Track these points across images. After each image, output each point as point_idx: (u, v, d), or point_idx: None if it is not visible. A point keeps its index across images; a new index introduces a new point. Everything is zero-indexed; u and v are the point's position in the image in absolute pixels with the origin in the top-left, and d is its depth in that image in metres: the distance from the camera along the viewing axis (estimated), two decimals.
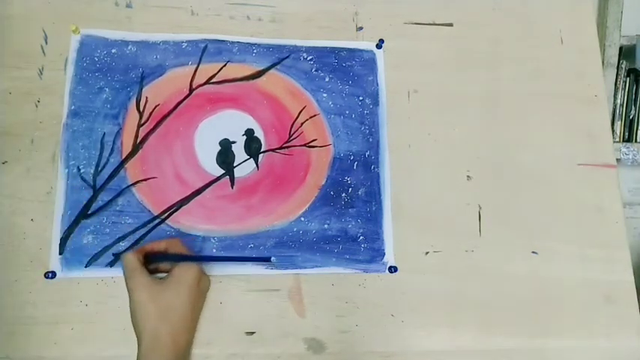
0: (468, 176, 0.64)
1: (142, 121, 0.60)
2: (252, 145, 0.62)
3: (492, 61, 0.68)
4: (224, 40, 0.64)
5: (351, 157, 0.63)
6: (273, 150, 0.62)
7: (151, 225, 0.58)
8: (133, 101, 0.61)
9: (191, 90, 0.62)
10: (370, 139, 0.64)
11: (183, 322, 0.51)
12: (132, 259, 0.52)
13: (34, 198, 0.57)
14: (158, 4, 0.64)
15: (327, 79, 0.65)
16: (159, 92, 0.61)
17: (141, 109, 0.60)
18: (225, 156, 0.61)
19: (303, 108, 0.63)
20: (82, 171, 0.58)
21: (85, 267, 0.56)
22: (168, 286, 0.51)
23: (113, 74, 0.61)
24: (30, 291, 0.55)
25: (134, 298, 0.50)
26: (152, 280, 0.51)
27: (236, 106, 0.62)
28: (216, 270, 0.57)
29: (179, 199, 0.59)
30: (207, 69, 0.63)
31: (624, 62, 1.38)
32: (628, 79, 1.41)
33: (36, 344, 0.53)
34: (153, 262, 0.54)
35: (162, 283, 0.51)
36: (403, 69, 0.66)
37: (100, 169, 0.58)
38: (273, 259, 0.53)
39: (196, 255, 0.57)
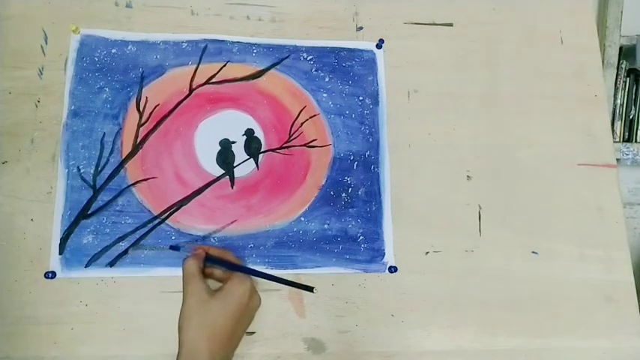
0: (468, 176, 0.64)
1: (142, 121, 0.60)
2: (252, 145, 0.62)
3: (492, 61, 0.68)
4: (224, 40, 0.64)
5: (351, 157, 0.63)
6: (273, 150, 0.62)
7: (151, 225, 0.58)
8: (133, 101, 0.61)
9: (191, 90, 0.62)
10: (370, 139, 0.64)
11: (223, 339, 0.49)
12: (192, 264, 0.52)
13: (34, 198, 0.57)
14: (158, 4, 0.64)
15: (327, 79, 0.65)
16: (159, 92, 0.61)
17: (141, 109, 0.60)
18: (225, 156, 0.61)
19: (303, 108, 0.63)
20: (82, 171, 0.58)
21: (85, 267, 0.56)
22: (218, 299, 0.50)
23: (113, 74, 0.61)
24: (30, 291, 0.55)
25: (185, 303, 0.50)
26: (206, 290, 0.50)
27: (236, 106, 0.62)
28: None
29: (179, 199, 0.59)
30: (207, 69, 0.63)
31: (624, 62, 1.38)
32: (628, 79, 1.41)
33: (36, 344, 0.53)
34: (209, 265, 0.54)
35: (213, 295, 0.50)
36: (403, 69, 0.66)
37: (100, 169, 0.58)
38: (315, 290, 0.52)
39: (246, 267, 0.56)
